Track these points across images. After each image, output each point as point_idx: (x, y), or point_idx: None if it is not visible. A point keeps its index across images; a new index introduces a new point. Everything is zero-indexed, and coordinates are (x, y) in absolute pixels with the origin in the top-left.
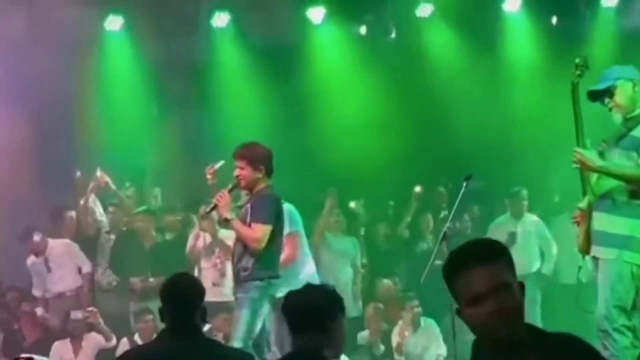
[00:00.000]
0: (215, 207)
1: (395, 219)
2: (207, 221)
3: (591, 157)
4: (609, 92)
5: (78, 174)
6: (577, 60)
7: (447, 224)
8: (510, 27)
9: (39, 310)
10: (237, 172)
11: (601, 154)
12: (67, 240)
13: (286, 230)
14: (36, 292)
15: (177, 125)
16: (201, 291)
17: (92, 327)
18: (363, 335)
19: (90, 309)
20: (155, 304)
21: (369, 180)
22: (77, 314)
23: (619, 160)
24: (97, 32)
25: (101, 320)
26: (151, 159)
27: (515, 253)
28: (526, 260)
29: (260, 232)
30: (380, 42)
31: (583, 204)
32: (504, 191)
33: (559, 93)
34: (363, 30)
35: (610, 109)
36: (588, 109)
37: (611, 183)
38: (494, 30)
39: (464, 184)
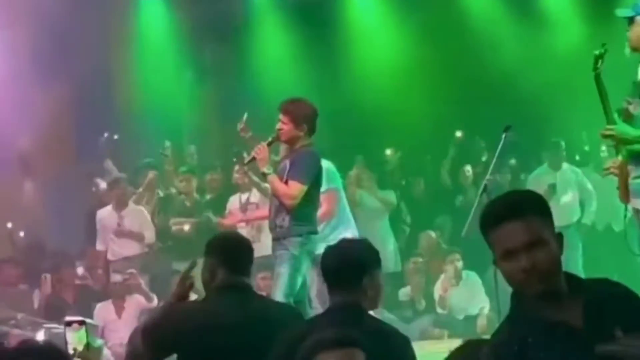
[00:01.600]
0: (253, 159)
1: (433, 173)
2: (243, 175)
3: (623, 130)
4: (629, 21)
5: (115, 137)
6: (596, 53)
7: (487, 176)
8: None
9: (80, 270)
10: (279, 125)
11: (628, 114)
12: (141, 207)
13: (324, 187)
14: (99, 247)
15: (213, 86)
16: (251, 249)
17: (132, 289)
18: (404, 292)
19: (129, 271)
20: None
21: (405, 134)
22: (116, 277)
23: None
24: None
25: (142, 282)
26: (188, 119)
27: (555, 204)
28: (566, 211)
29: (296, 190)
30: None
31: (619, 155)
32: (536, 142)
33: (596, 40)
34: None
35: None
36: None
37: None
38: None
39: (503, 135)
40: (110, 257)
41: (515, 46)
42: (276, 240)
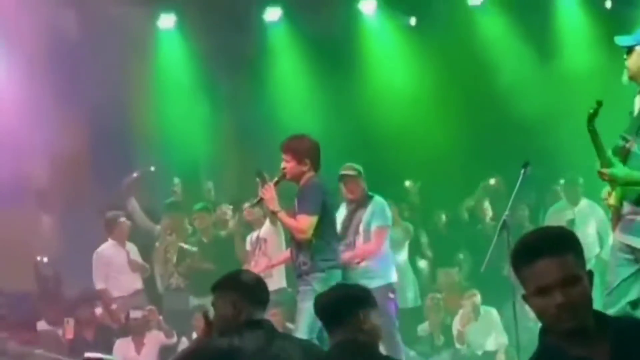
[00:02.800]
0: (260, 200)
1: (452, 205)
2: (252, 215)
3: (619, 173)
4: (628, 49)
5: (135, 175)
6: (590, 111)
7: (506, 212)
8: (562, 12)
9: (98, 311)
10: (283, 164)
11: (624, 151)
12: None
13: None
14: (100, 285)
15: (230, 120)
16: (267, 286)
17: (152, 325)
18: (423, 327)
19: (148, 307)
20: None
21: (423, 166)
22: (136, 313)
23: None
24: (150, 31)
25: (160, 318)
26: (204, 153)
27: None
28: (586, 246)
29: (304, 222)
30: (431, 32)
31: (612, 199)
32: (553, 176)
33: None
34: (413, 21)
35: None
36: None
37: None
38: (546, 16)
39: (522, 171)
40: (117, 293)
41: (532, 78)
42: (299, 277)
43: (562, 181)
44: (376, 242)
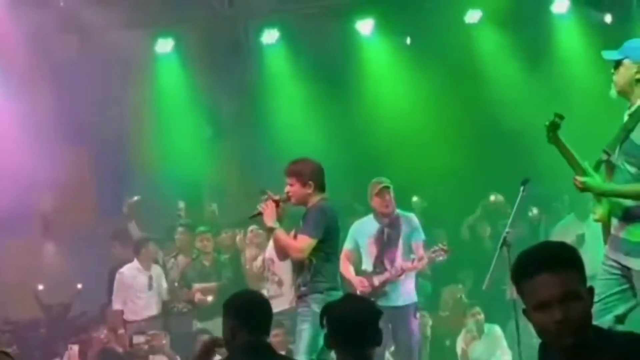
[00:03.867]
0: (259, 214)
1: (452, 225)
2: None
3: (592, 183)
4: (615, 64)
5: (135, 198)
6: (546, 123)
7: (507, 229)
8: (560, 28)
9: (104, 334)
10: (287, 188)
11: (606, 165)
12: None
13: (420, 237)
14: (117, 306)
15: (231, 143)
16: (269, 307)
17: (156, 350)
18: None
19: (152, 332)
20: (209, 324)
21: (424, 186)
22: (139, 338)
23: (623, 167)
24: (148, 55)
25: (164, 342)
26: (206, 176)
27: (584, 254)
28: (595, 261)
29: (303, 243)
30: (429, 50)
31: (598, 214)
32: (552, 194)
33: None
34: (409, 40)
35: (612, 81)
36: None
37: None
38: (543, 32)
39: (522, 189)
40: (131, 316)
41: (530, 93)
42: (299, 298)
43: (566, 197)
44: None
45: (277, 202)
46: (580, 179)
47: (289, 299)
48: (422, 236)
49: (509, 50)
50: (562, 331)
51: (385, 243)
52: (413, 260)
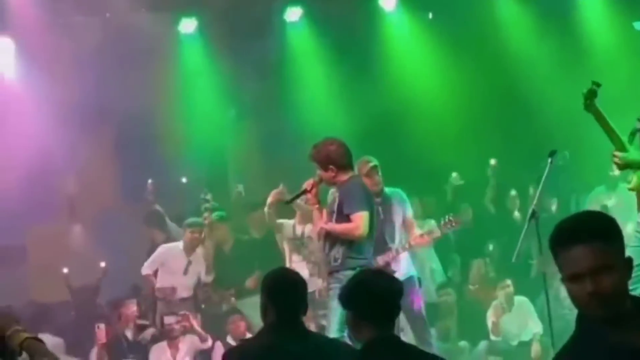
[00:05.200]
0: (304, 192)
1: (478, 199)
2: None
3: (631, 158)
4: None
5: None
6: (584, 91)
7: (535, 202)
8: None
9: (133, 311)
10: (318, 170)
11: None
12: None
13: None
14: (146, 271)
15: (255, 123)
16: (305, 284)
17: (186, 330)
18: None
19: (182, 312)
20: (244, 303)
21: (449, 162)
22: (170, 319)
23: None
24: (172, 36)
25: (195, 323)
26: (231, 157)
27: None
28: (625, 231)
29: (359, 220)
30: (451, 25)
31: (633, 183)
32: (582, 164)
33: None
34: (430, 15)
35: None
36: None
37: None
38: (567, 4)
39: (549, 160)
40: (160, 294)
41: (555, 66)
42: (330, 274)
43: (566, 153)
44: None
45: (314, 185)
46: (619, 154)
47: (317, 280)
48: (354, 206)
49: (533, 24)
50: (594, 303)
51: (382, 221)
52: (422, 235)
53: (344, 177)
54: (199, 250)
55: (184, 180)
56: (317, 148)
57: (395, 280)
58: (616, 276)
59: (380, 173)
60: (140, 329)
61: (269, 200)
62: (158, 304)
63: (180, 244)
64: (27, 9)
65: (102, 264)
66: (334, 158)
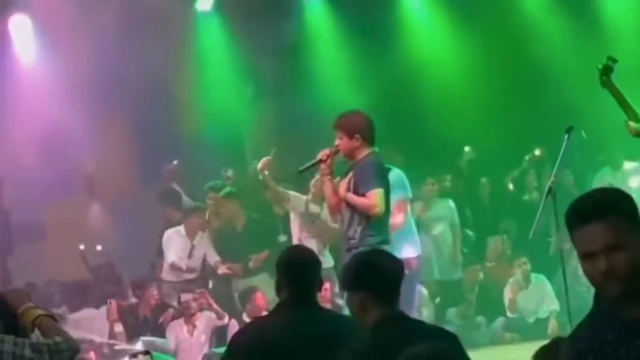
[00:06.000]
0: (318, 162)
1: (495, 176)
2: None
3: None
4: None
5: (175, 162)
6: (598, 66)
7: (552, 179)
8: None
9: (154, 292)
10: (337, 141)
11: None
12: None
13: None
14: (170, 258)
15: (273, 104)
16: (318, 262)
17: (203, 307)
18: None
19: (199, 290)
20: (258, 280)
21: (466, 139)
22: (186, 296)
23: None
24: (189, 14)
25: (211, 301)
26: (249, 135)
27: None
28: None
29: (376, 197)
30: (471, 4)
31: None
32: (598, 141)
33: None
34: None
35: None
36: None
37: None
38: None
39: (566, 137)
40: (168, 277)
41: (574, 45)
42: (348, 251)
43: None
44: None
45: (329, 155)
46: (633, 124)
47: (326, 259)
48: (371, 183)
49: (555, 5)
50: (608, 282)
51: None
52: None
53: (365, 151)
54: (203, 233)
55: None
56: (346, 116)
57: (398, 260)
58: (631, 254)
59: None
60: (162, 309)
61: (259, 166)
62: (169, 286)
63: (182, 228)
64: None
65: (81, 247)
66: (363, 128)
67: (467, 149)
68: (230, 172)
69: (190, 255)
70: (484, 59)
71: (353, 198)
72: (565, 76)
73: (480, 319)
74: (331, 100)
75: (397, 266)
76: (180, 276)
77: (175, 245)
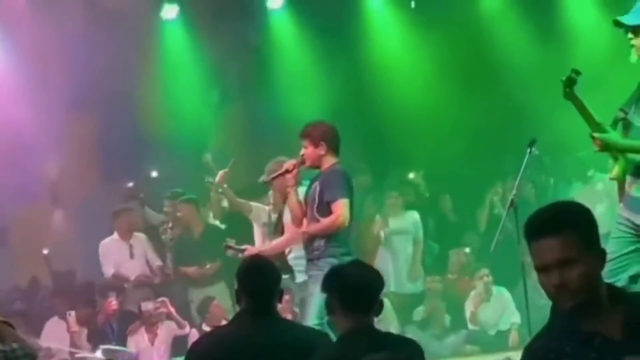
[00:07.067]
0: (284, 173)
1: (457, 189)
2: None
3: (610, 139)
4: (633, 29)
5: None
6: (562, 79)
7: (513, 191)
8: None
9: (113, 301)
10: (302, 151)
11: (623, 124)
12: (142, 234)
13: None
14: (110, 271)
15: (238, 109)
16: (278, 273)
17: (164, 316)
18: (418, 310)
19: (160, 299)
20: (215, 290)
21: (428, 151)
22: (147, 305)
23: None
24: (154, 22)
25: (172, 310)
26: (214, 142)
27: None
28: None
29: (341, 207)
30: (434, 13)
31: (614, 172)
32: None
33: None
34: (413, 3)
35: (631, 46)
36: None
37: None
38: None
39: (528, 150)
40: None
41: (536, 57)
42: (310, 261)
43: (546, 158)
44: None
45: (295, 165)
46: (598, 135)
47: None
48: (337, 194)
49: (516, 13)
50: (562, 295)
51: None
52: None
53: (330, 160)
54: (138, 234)
55: (154, 174)
56: (311, 125)
57: (375, 273)
58: (584, 268)
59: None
60: (122, 317)
61: (217, 179)
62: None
63: (115, 234)
64: None
65: (45, 251)
66: (328, 136)
67: (411, 175)
68: (209, 157)
69: (131, 256)
70: (446, 69)
71: (317, 229)
72: (528, 84)
73: (441, 331)
74: (295, 105)
75: (369, 278)
76: (128, 280)
77: (113, 253)
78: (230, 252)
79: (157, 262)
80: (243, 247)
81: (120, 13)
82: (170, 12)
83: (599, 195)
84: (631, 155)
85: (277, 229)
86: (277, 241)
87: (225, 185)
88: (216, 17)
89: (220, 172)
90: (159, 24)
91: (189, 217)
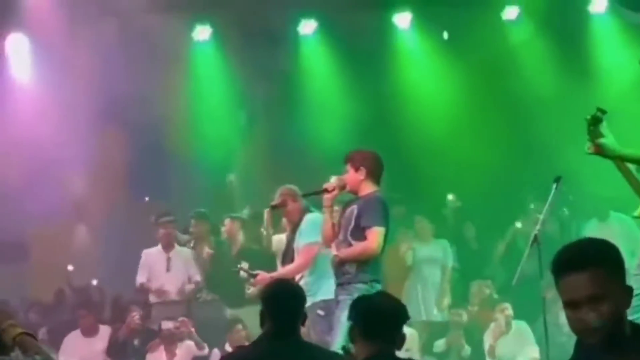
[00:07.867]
0: (322, 191)
1: (483, 219)
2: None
3: (606, 143)
4: None
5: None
6: (587, 117)
7: (538, 227)
8: (597, 28)
9: (136, 316)
10: (344, 175)
11: None
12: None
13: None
14: (141, 280)
15: (264, 132)
16: (303, 297)
17: (184, 336)
18: (439, 343)
19: (181, 318)
20: (247, 312)
21: (456, 183)
22: (167, 324)
23: None
24: (186, 43)
25: (193, 330)
26: (239, 164)
27: None
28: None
29: (376, 236)
30: (465, 46)
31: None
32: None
33: None
34: (446, 35)
35: None
36: None
37: None
38: (580, 31)
39: (554, 186)
40: (153, 298)
41: (567, 93)
42: (340, 285)
43: (570, 197)
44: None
45: (335, 189)
46: (597, 142)
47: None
48: (375, 221)
49: (547, 48)
50: (589, 331)
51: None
52: None
53: (370, 187)
54: (182, 248)
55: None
56: (357, 150)
57: (397, 302)
58: (612, 305)
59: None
60: (143, 334)
61: (265, 218)
62: (153, 309)
63: (159, 245)
64: (43, 6)
65: (70, 268)
66: (372, 164)
67: (450, 197)
68: (232, 177)
69: (168, 269)
70: (477, 100)
71: (347, 253)
72: (554, 120)
73: None
74: (321, 131)
75: (394, 309)
76: (164, 295)
77: (150, 263)
78: (241, 274)
79: (197, 277)
80: (255, 272)
81: (154, 33)
82: (202, 33)
83: (616, 234)
84: None
85: (287, 255)
86: (289, 267)
87: (271, 230)
88: (248, 40)
89: (266, 211)
90: (191, 45)
91: (200, 234)
